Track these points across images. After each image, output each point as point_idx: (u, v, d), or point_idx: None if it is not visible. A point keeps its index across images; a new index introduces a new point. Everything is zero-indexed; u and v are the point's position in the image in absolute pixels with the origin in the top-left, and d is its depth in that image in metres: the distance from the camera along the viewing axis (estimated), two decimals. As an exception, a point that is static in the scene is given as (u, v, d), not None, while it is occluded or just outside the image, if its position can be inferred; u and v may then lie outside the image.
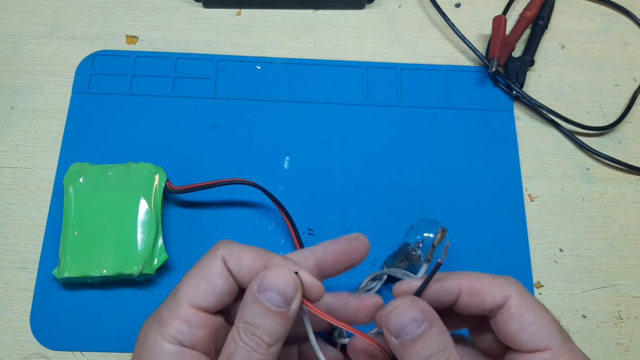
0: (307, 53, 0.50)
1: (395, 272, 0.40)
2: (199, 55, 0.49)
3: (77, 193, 0.41)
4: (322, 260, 0.32)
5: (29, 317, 0.40)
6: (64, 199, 0.41)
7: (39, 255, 0.42)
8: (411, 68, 0.50)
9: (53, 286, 0.41)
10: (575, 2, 0.55)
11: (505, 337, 0.30)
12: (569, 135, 0.48)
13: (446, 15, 0.51)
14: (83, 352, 0.39)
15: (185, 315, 0.29)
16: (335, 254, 0.32)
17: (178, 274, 0.42)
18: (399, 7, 0.53)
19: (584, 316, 0.43)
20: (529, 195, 0.46)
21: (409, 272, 0.40)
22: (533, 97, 0.49)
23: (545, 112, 0.49)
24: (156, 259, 0.40)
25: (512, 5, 0.54)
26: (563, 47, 0.53)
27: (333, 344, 0.36)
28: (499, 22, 0.49)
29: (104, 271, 0.39)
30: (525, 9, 0.52)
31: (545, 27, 0.52)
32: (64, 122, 0.46)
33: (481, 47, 0.51)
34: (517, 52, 0.51)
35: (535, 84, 0.51)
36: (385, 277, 0.41)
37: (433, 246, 0.31)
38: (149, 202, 0.41)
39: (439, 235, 0.31)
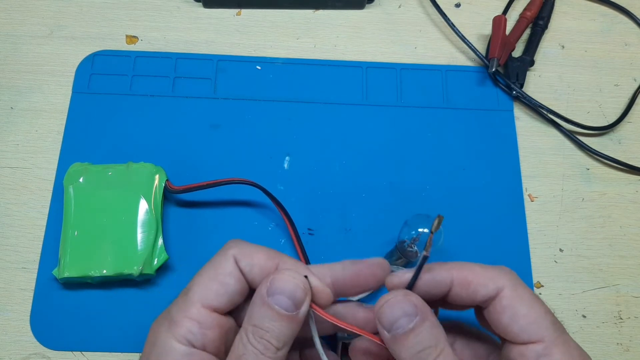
0: (307, 53, 0.50)
1: (393, 269, 0.40)
2: (199, 55, 0.49)
3: (77, 193, 0.41)
4: (340, 279, 0.32)
5: (29, 317, 0.40)
6: (64, 199, 0.41)
7: (39, 255, 0.42)
8: (411, 68, 0.50)
9: (53, 286, 0.41)
10: (575, 2, 0.55)
11: (498, 328, 0.30)
12: (569, 135, 0.48)
13: (446, 15, 0.51)
14: (83, 352, 0.39)
15: (197, 315, 0.29)
16: (353, 276, 0.32)
17: (178, 274, 0.42)
18: (399, 7, 0.53)
19: (584, 316, 0.43)
20: (529, 195, 0.46)
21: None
22: (533, 97, 0.49)
23: (545, 112, 0.49)
24: (156, 259, 0.40)
25: (512, 5, 0.54)
26: (563, 47, 0.53)
27: (335, 344, 0.36)
28: (499, 22, 0.49)
29: (104, 271, 0.39)
30: (525, 9, 0.52)
31: (545, 27, 0.52)
32: (64, 122, 0.46)
33: (481, 47, 0.51)
34: (517, 52, 0.51)
35: (535, 84, 0.51)
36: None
37: (431, 232, 0.30)
38: (149, 202, 0.41)
39: (435, 222, 0.30)
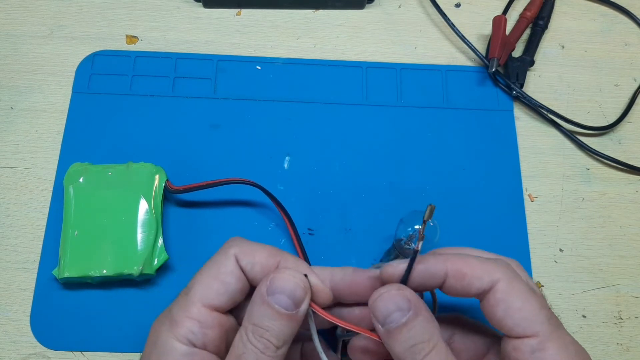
0: (307, 53, 0.50)
1: None
2: (199, 55, 0.49)
3: (77, 193, 0.41)
4: (339, 283, 0.31)
5: (29, 317, 0.40)
6: (64, 199, 0.41)
7: (39, 255, 0.42)
8: (411, 68, 0.50)
9: (53, 286, 0.41)
10: (575, 2, 0.55)
11: (493, 321, 0.30)
12: (569, 135, 0.48)
13: (446, 15, 0.51)
14: (83, 352, 0.39)
15: (197, 315, 0.29)
16: (352, 283, 0.31)
17: (178, 274, 0.42)
18: (399, 7, 0.53)
19: (584, 316, 0.43)
20: (529, 195, 0.46)
21: None
22: (533, 97, 0.49)
23: (545, 112, 0.49)
24: (156, 259, 0.40)
25: (512, 5, 0.54)
26: (563, 47, 0.53)
27: (335, 341, 0.36)
28: (499, 22, 0.49)
29: (104, 271, 0.39)
30: (525, 9, 0.52)
31: (545, 27, 0.52)
32: (64, 122, 0.46)
33: (481, 47, 0.51)
34: (517, 52, 0.51)
35: (535, 84, 0.51)
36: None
37: (424, 222, 0.30)
38: (149, 202, 0.41)
39: (427, 211, 0.30)
